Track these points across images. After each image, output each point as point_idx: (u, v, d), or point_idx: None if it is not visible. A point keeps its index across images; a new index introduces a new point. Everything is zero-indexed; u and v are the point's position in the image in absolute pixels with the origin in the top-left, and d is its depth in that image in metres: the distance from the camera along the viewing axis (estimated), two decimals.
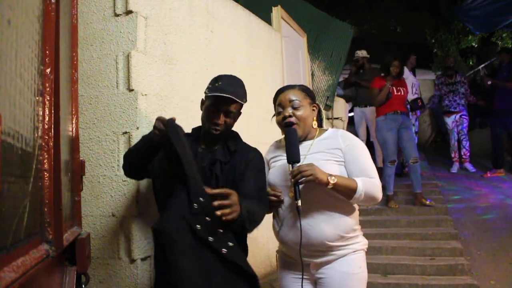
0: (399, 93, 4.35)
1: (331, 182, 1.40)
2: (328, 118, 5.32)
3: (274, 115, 1.75)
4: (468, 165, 5.81)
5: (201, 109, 1.65)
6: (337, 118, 5.51)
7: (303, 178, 1.39)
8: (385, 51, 9.65)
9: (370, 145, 5.96)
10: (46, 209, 0.82)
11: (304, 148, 1.59)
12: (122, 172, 1.83)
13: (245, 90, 1.62)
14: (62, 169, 0.93)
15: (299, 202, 1.41)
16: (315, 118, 1.63)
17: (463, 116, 5.74)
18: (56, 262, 0.89)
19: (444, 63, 6.13)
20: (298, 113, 1.57)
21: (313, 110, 1.63)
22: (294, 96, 1.59)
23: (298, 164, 1.45)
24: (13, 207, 0.65)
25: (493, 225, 4.02)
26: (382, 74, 4.46)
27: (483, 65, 5.50)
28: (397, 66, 4.30)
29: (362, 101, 5.75)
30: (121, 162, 1.83)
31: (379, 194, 1.51)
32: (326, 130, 1.65)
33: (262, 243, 2.97)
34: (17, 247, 0.64)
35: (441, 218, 4.11)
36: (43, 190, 0.81)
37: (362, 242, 1.58)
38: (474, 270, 3.21)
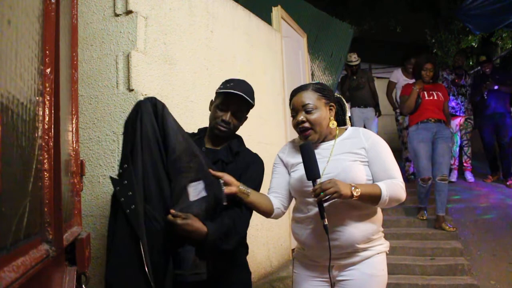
0: (431, 98, 3.79)
1: (355, 194, 1.35)
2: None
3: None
4: (468, 174, 5.42)
5: (210, 109, 1.66)
6: None
7: (328, 196, 1.34)
8: (385, 51, 9.68)
9: None
10: (46, 209, 0.82)
11: (325, 150, 1.54)
12: None
13: (253, 95, 1.64)
14: (62, 169, 0.93)
15: (326, 221, 1.36)
16: (332, 118, 1.56)
17: (468, 120, 5.35)
18: (56, 262, 0.89)
19: (453, 62, 5.56)
20: (312, 117, 1.50)
21: (330, 110, 1.56)
22: (307, 99, 1.52)
23: (318, 181, 1.39)
24: (13, 207, 0.65)
25: (493, 225, 4.02)
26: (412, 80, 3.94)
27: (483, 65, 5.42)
28: (430, 70, 3.77)
29: (360, 102, 5.74)
30: None
31: (403, 195, 1.48)
32: (346, 129, 1.60)
33: (262, 243, 2.97)
34: (17, 247, 0.64)
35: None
36: (43, 190, 0.81)
37: (385, 244, 1.55)
38: (474, 270, 3.21)
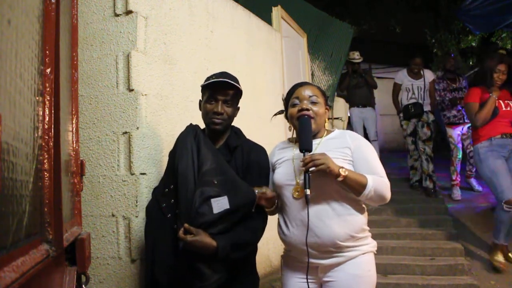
0: (507, 108, 3.15)
1: (342, 174, 1.39)
2: (328, 118, 5.31)
3: (276, 114, 1.77)
4: (474, 181, 4.88)
5: (200, 109, 1.67)
6: (337, 118, 5.51)
7: (314, 168, 1.38)
8: (385, 51, 9.67)
9: None
10: (46, 209, 0.82)
11: (314, 144, 1.57)
12: (122, 172, 1.83)
13: (238, 82, 1.65)
14: (62, 169, 0.93)
15: (308, 191, 1.39)
16: (326, 119, 1.64)
17: (471, 128, 4.62)
18: (56, 262, 0.89)
19: (444, 65, 4.99)
20: (315, 108, 1.56)
21: (326, 111, 1.63)
22: (313, 92, 1.58)
23: (310, 154, 1.44)
24: (13, 207, 0.65)
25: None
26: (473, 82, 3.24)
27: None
28: (503, 72, 3.13)
29: (359, 101, 5.73)
30: (121, 162, 1.83)
31: (388, 193, 1.50)
32: (333, 131, 1.65)
33: (262, 243, 2.97)
34: (17, 247, 0.64)
35: (441, 218, 4.11)
36: (43, 190, 0.81)
37: (371, 244, 1.56)
38: (474, 270, 3.21)
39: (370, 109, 5.76)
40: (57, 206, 0.86)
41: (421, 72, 4.79)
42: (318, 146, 1.57)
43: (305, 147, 1.45)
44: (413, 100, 4.70)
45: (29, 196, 0.72)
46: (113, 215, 1.83)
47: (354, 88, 5.72)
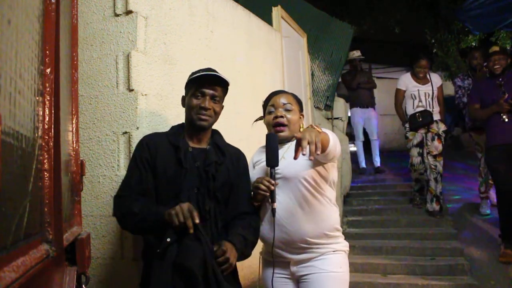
0: None
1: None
2: (328, 118, 5.30)
3: (257, 120, 1.86)
4: (485, 203, 4.23)
5: (183, 105, 1.62)
6: (337, 118, 5.51)
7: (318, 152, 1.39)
8: (385, 51, 9.67)
9: (368, 145, 5.98)
10: (46, 209, 0.82)
11: (285, 148, 1.68)
12: (122, 172, 1.83)
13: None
14: (62, 169, 0.93)
15: (275, 205, 1.49)
16: (301, 125, 1.72)
17: None
18: (56, 262, 0.89)
19: (469, 62, 4.32)
20: (289, 116, 1.66)
21: (300, 118, 1.72)
22: (288, 100, 1.69)
23: (277, 169, 1.55)
24: (13, 207, 0.65)
25: (493, 225, 4.02)
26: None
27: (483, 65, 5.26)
28: None
29: (360, 102, 5.74)
30: (121, 162, 1.83)
31: (338, 148, 1.56)
32: None
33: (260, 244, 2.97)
34: (17, 247, 0.64)
35: (441, 218, 4.11)
36: (43, 190, 0.81)
37: (343, 244, 1.63)
38: (474, 270, 3.21)
39: (372, 110, 5.79)
40: (57, 206, 0.86)
41: (427, 75, 4.15)
42: (290, 147, 1.65)
43: (272, 164, 1.53)
44: (421, 109, 4.06)
45: (29, 196, 0.72)
46: (113, 215, 1.83)
47: (357, 89, 5.74)
